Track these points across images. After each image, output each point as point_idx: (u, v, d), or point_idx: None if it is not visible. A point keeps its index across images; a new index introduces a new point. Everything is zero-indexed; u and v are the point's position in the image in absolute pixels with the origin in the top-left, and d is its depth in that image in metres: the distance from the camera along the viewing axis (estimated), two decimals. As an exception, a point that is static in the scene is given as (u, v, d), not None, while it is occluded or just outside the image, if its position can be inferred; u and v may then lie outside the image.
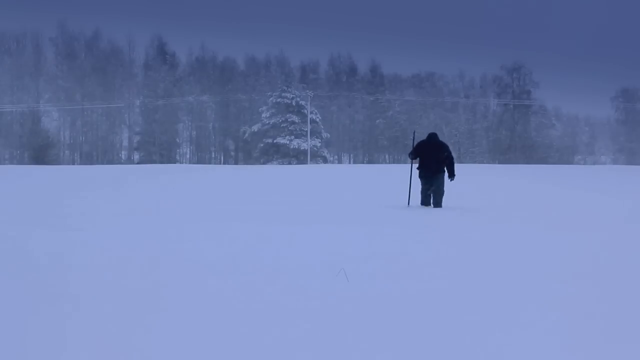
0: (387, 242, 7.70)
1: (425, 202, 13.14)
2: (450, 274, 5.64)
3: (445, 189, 13.15)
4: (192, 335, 3.74)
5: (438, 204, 13.00)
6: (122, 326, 3.90)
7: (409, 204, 13.38)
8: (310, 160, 68.06)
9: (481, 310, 4.38)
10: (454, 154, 13.80)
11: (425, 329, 3.91)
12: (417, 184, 13.41)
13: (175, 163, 66.98)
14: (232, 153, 79.88)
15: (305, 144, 69.50)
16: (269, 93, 73.55)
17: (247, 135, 73.27)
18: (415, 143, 13.53)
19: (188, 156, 79.32)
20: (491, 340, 3.72)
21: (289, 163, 64.83)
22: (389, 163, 75.45)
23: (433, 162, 13.10)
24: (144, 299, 4.58)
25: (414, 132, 14.73)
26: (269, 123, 71.23)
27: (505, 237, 8.45)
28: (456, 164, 13.72)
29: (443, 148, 13.29)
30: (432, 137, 13.47)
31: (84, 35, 77.57)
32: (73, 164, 67.86)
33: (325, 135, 72.91)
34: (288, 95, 71.76)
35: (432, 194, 13.06)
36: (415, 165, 13.47)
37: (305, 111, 70.70)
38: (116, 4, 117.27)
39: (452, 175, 13.24)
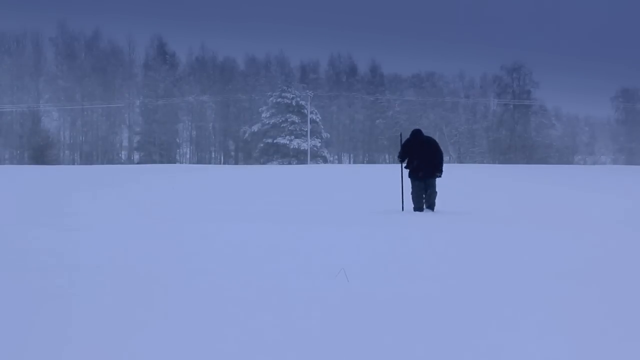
0: (387, 243, 7.70)
1: (418, 207, 12.21)
2: (450, 275, 5.64)
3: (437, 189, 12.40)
4: (191, 335, 3.74)
5: (432, 205, 12.21)
6: (122, 326, 3.91)
7: (402, 209, 12.46)
8: (310, 160, 68.06)
9: (481, 311, 4.38)
10: (444, 152, 12.86)
11: (425, 329, 3.92)
12: (408, 186, 12.52)
13: (175, 163, 66.98)
14: (232, 153, 79.89)
15: (305, 144, 69.51)
16: (269, 93, 73.57)
17: (247, 135, 73.29)
18: (402, 143, 12.63)
19: (188, 156, 79.33)
20: (491, 340, 3.73)
21: (289, 163, 64.82)
22: (389, 163, 75.43)
23: (425, 162, 12.25)
24: (144, 299, 4.58)
25: (400, 134, 13.52)
26: (269, 123, 71.25)
27: (504, 238, 8.45)
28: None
29: (433, 145, 12.49)
30: (418, 134, 12.53)
31: (84, 35, 77.68)
32: (73, 164, 67.85)
33: (325, 135, 72.92)
34: (288, 95, 71.77)
35: (425, 195, 12.23)
36: (404, 165, 12.61)
37: (305, 111, 70.71)
38: (116, 4, 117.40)
39: (439, 172, 12.34)
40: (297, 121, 71.13)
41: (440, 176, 12.40)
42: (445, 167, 12.82)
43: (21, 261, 6.12)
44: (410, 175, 12.43)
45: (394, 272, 5.73)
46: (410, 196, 12.37)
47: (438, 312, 4.30)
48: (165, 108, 73.35)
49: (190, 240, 7.77)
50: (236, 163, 73.63)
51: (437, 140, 12.90)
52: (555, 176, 30.29)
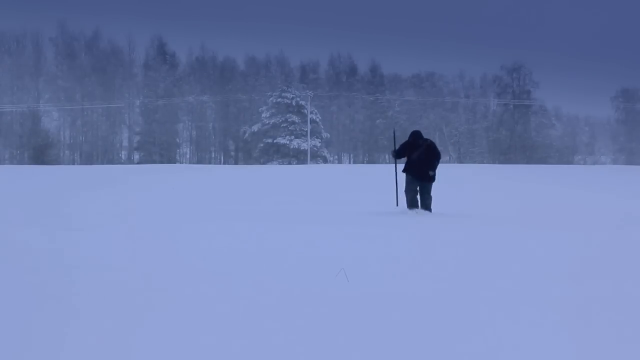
0: (387, 243, 7.70)
1: (413, 203, 11.97)
2: (451, 275, 5.64)
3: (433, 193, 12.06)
4: (191, 335, 3.74)
5: (428, 207, 11.92)
6: (122, 327, 3.91)
7: (397, 204, 12.41)
8: (310, 160, 68.05)
9: (481, 311, 4.38)
10: (444, 152, 12.39)
11: (426, 329, 3.91)
12: (402, 183, 12.25)
13: (175, 163, 66.98)
14: (232, 153, 79.86)
15: (305, 144, 69.50)
16: (269, 93, 73.54)
17: (247, 135, 73.27)
18: (398, 144, 12.34)
19: (188, 156, 79.30)
20: (491, 340, 3.72)
21: (289, 163, 64.81)
22: (389, 163, 75.40)
23: (425, 168, 11.90)
24: (144, 300, 4.58)
25: (394, 131, 12.95)
26: (269, 123, 71.22)
27: (504, 239, 8.45)
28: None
29: (433, 150, 12.06)
30: (418, 136, 12.15)
31: (84, 35, 77.59)
32: (73, 164, 67.84)
33: (325, 135, 72.90)
34: (288, 95, 71.74)
35: (420, 199, 11.96)
36: (401, 167, 12.28)
37: (305, 111, 70.69)
38: (116, 4, 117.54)
39: (433, 171, 11.91)
40: (297, 121, 71.11)
41: (433, 178, 11.99)
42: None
43: (21, 261, 6.12)
44: (405, 171, 12.10)
45: (394, 272, 5.73)
46: (404, 192, 12.10)
47: (438, 312, 4.30)
48: (165, 108, 73.32)
49: (190, 240, 7.76)
50: (236, 163, 73.61)
51: (435, 143, 12.40)
52: (556, 176, 30.29)
